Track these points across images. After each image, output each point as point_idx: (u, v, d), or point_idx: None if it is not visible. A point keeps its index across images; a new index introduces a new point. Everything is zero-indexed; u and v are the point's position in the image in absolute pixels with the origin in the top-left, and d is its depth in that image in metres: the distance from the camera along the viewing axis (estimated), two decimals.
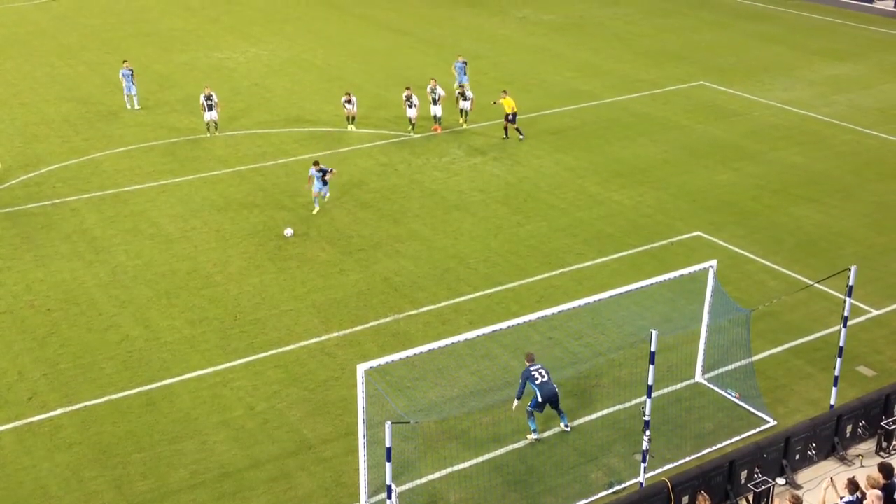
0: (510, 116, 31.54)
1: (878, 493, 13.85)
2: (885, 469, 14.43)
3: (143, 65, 40.19)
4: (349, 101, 32.40)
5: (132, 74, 35.03)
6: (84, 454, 16.85)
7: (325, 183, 26.22)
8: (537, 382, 16.74)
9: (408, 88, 32.35)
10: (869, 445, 17.09)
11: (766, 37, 46.33)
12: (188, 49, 43.39)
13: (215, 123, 32.17)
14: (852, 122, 33.89)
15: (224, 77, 38.79)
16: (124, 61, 35.97)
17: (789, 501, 13.48)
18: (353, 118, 32.69)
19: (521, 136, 31.81)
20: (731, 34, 46.78)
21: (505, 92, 31.92)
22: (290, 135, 32.39)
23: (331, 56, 42.34)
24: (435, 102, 32.38)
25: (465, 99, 32.61)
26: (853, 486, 14.04)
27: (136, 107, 35.12)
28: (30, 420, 17.70)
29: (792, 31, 47.82)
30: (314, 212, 26.17)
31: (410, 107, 31.93)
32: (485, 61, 41.15)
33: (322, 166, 26.14)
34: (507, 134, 31.86)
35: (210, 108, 31.78)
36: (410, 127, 32.26)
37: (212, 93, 31.92)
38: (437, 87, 32.45)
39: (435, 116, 32.56)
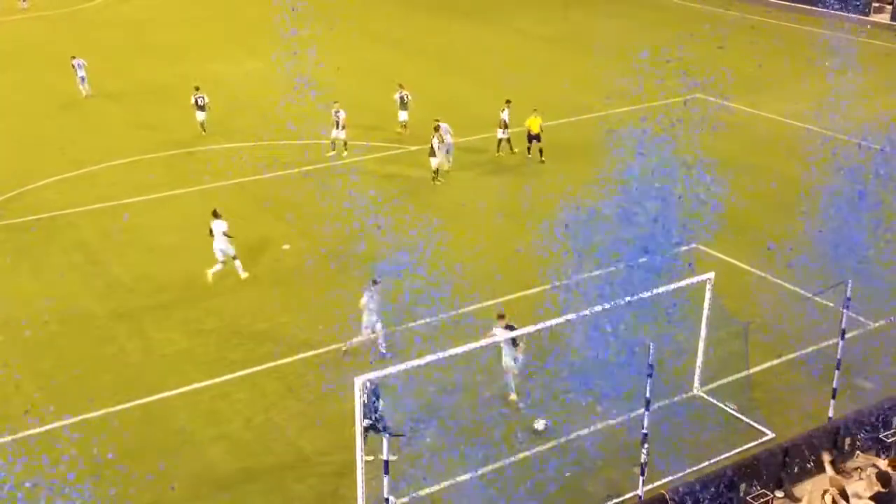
0: (533, 137, 30.99)
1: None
2: (882, 478, 14.38)
3: (141, 77, 40.26)
4: (337, 114, 31.18)
5: (84, 66, 38.02)
6: (80, 468, 16.76)
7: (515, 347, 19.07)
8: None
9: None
10: (868, 459, 17.02)
11: (763, 50, 46.46)
12: (186, 61, 43.41)
13: (204, 125, 33.64)
14: (851, 134, 33.85)
15: (223, 89, 38.76)
16: (73, 56, 38.21)
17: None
18: (345, 143, 31.54)
19: (540, 157, 31.21)
20: (729, 47, 46.90)
21: (535, 110, 31.18)
22: (289, 147, 32.40)
23: (329, 68, 42.30)
24: (435, 151, 29.77)
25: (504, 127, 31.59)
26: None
27: (90, 92, 38.06)
28: (26, 433, 17.63)
29: (789, 43, 47.96)
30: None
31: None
32: (482, 73, 41.24)
33: (509, 321, 19.04)
34: (529, 152, 31.40)
35: (202, 108, 33.37)
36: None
37: (202, 95, 33.20)
38: (448, 135, 30.07)
39: (436, 171, 29.97)
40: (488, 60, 43.95)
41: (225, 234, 23.49)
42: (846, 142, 34.03)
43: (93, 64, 42.80)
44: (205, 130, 33.63)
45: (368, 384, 16.10)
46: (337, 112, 31.35)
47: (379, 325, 20.00)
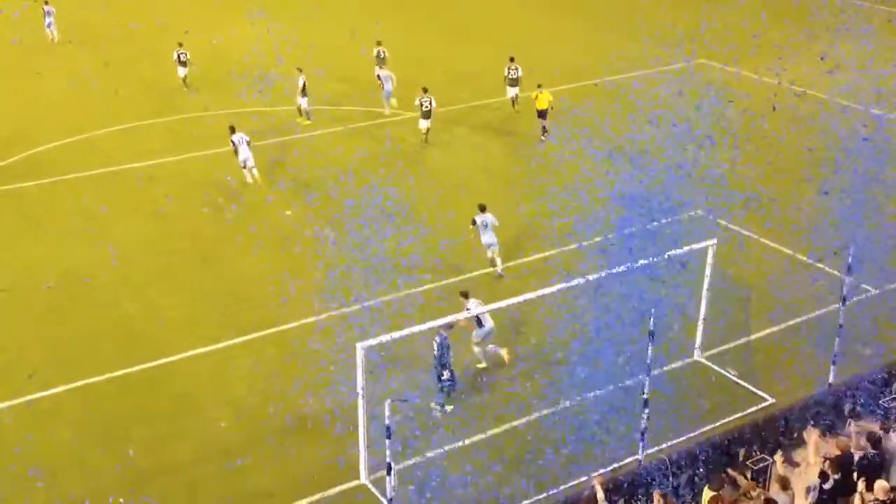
0: (542, 114, 29.87)
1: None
2: (871, 438, 14.48)
3: (144, 45, 39.94)
4: (301, 81, 31.02)
5: (53, 13, 40.27)
6: (86, 431, 16.92)
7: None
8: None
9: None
10: (867, 423, 17.14)
11: (770, 15, 46.00)
12: (187, 29, 43.00)
13: (185, 79, 35.04)
14: (857, 102, 33.71)
15: (224, 57, 38.57)
16: (46, 2, 40.19)
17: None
18: (308, 112, 31.43)
19: (543, 137, 30.11)
20: (735, 12, 46.43)
21: (540, 87, 30.32)
22: (290, 113, 32.27)
23: (330, 35, 42.08)
24: (427, 116, 30.02)
25: (514, 85, 32.09)
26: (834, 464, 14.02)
27: (56, 38, 40.39)
28: (31, 397, 17.75)
29: (797, 8, 47.44)
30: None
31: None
32: (480, 38, 40.92)
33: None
34: (544, 133, 30.17)
35: (184, 64, 34.78)
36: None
37: (185, 51, 34.74)
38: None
39: (426, 130, 30.36)
40: (484, 26, 43.59)
41: (249, 143, 26.62)
42: (853, 109, 33.96)
43: (93, 32, 42.60)
44: (186, 86, 34.86)
45: (438, 338, 16.93)
46: (303, 80, 31.34)
47: (494, 248, 22.13)
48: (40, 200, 25.77)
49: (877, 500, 13.06)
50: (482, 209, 22.26)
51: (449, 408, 17.44)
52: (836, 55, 39.25)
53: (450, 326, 17.07)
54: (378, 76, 32.60)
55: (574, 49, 39.93)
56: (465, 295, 18.51)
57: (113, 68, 36.46)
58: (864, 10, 47.70)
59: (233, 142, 26.65)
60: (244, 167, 26.64)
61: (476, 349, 18.57)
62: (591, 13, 46.22)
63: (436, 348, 17.12)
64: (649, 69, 37.18)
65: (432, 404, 17.39)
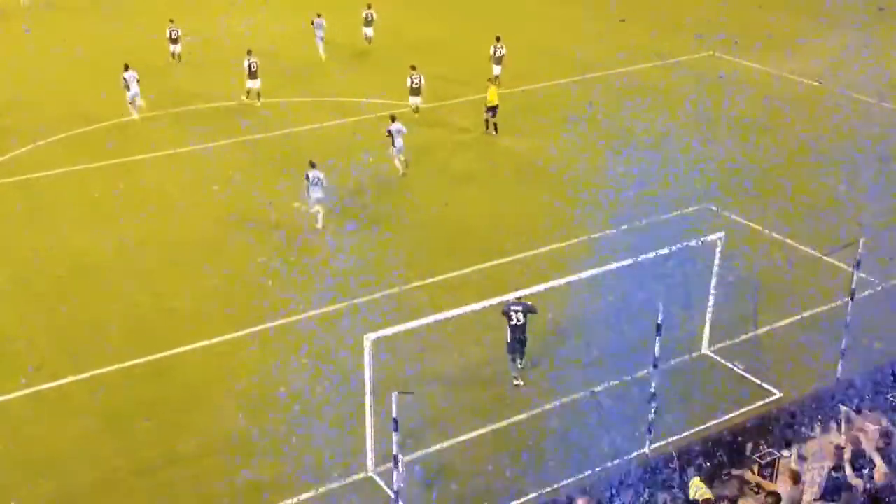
0: (491, 109, 29.55)
1: None
2: (881, 433, 14.43)
3: (150, 34, 39.95)
4: (251, 65, 31.60)
5: None
6: (93, 422, 16.97)
7: None
8: (511, 323, 17.64)
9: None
10: (875, 418, 17.06)
11: (780, 5, 45.81)
12: (196, 17, 43.01)
13: (179, 56, 36.08)
14: (867, 93, 33.57)
15: (232, 44, 38.50)
16: None
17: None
18: (258, 94, 32.02)
19: (494, 132, 29.76)
20: (744, 3, 46.27)
21: (490, 81, 30.58)
22: (298, 104, 32.26)
23: (339, 22, 41.99)
24: (417, 93, 30.89)
25: (498, 63, 33.06)
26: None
27: (28, 3, 43.64)
28: (39, 388, 17.80)
29: (809, 0, 47.24)
30: None
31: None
32: (482, 29, 40.75)
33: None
34: (487, 127, 29.87)
35: (175, 41, 35.84)
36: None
37: (176, 28, 35.76)
38: (421, 77, 31.43)
39: (416, 107, 31.08)
40: (486, 17, 43.43)
41: (137, 80, 29.81)
42: (859, 101, 33.74)
43: (103, 21, 42.59)
44: (180, 60, 35.93)
45: (522, 307, 17.48)
46: (251, 62, 31.76)
47: (402, 151, 26.32)
48: (48, 191, 25.82)
49: None
50: (392, 119, 26.45)
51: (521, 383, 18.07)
52: (847, 46, 39.08)
53: (518, 301, 17.44)
54: (312, 22, 36.27)
55: (582, 41, 39.73)
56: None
57: (99, 42, 36.82)
58: (870, 2, 47.35)
59: (124, 79, 29.53)
60: (131, 103, 29.85)
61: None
62: (598, 5, 46.01)
63: (519, 320, 17.55)
64: (658, 61, 37.07)
65: (514, 380, 17.97)
